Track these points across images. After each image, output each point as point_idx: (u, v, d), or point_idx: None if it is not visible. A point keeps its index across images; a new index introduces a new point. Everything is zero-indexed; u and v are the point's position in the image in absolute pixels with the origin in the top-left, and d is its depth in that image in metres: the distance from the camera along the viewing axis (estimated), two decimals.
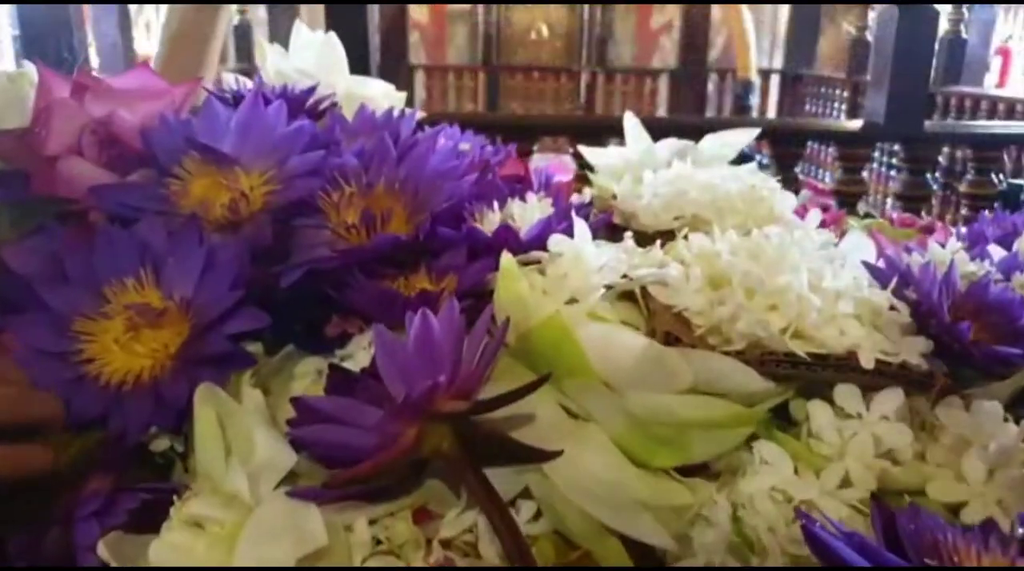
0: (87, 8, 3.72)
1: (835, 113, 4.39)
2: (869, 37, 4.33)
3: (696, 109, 5.17)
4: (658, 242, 0.33)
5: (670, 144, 0.53)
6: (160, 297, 0.29)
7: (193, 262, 0.29)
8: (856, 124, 1.45)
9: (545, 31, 5.69)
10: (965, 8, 3.46)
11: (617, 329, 0.27)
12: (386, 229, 0.32)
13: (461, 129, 0.64)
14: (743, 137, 0.55)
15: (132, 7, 3.71)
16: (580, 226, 0.30)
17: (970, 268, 0.36)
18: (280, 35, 4.96)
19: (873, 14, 4.62)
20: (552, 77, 5.35)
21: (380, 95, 0.54)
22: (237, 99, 0.42)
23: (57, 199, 0.32)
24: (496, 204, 0.35)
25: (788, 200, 0.40)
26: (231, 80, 0.47)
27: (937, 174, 2.56)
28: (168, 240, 0.30)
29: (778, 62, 5.25)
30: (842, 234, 0.66)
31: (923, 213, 1.53)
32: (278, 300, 0.31)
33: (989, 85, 5.47)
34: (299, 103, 0.43)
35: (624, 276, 0.31)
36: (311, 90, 0.42)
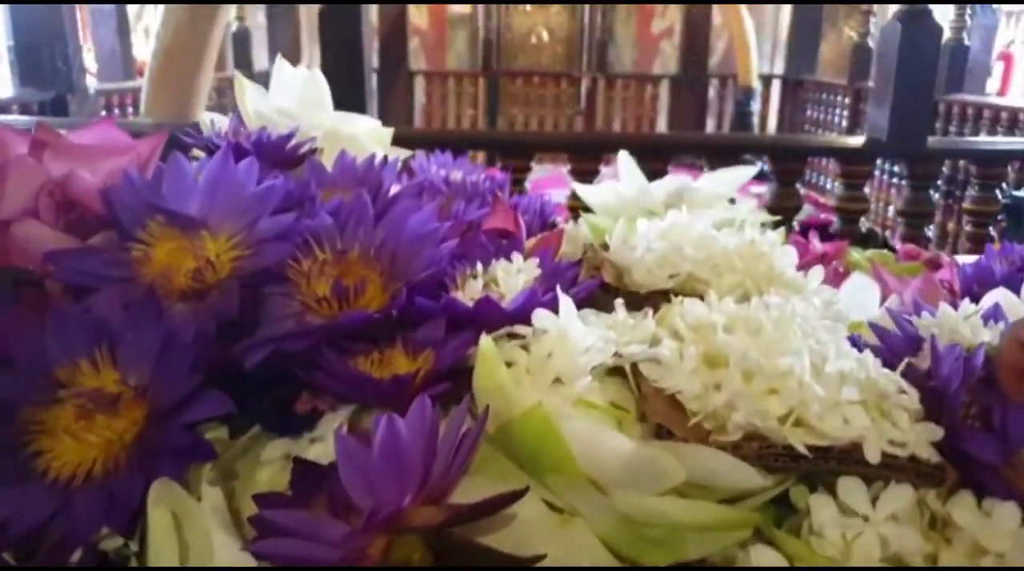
0: (86, 15, 3.73)
1: (837, 119, 4.37)
2: (871, 43, 4.31)
3: (697, 115, 5.15)
4: (650, 313, 0.31)
5: (666, 184, 0.51)
6: (116, 380, 0.27)
7: (151, 342, 0.27)
8: (858, 140, 1.43)
9: (546, 36, 5.68)
10: (967, 15, 3.44)
11: (604, 429, 0.25)
12: (359, 300, 0.30)
13: (456, 150, 0.62)
14: (742, 175, 0.53)
15: (131, 13, 3.69)
16: (566, 303, 0.28)
17: (984, 336, 0.34)
18: (279, 41, 4.94)
19: (875, 19, 4.61)
20: (552, 82, 5.34)
21: (365, 133, 0.52)
22: (211, 148, 0.40)
23: (11, 268, 0.30)
24: (480, 265, 0.33)
25: (788, 255, 0.38)
26: (207, 121, 0.45)
27: (939, 182, 2.54)
28: (125, 316, 0.28)
29: (779, 67, 5.23)
30: (845, 273, 0.64)
31: (925, 228, 1.51)
32: (244, 375, 0.29)
33: (991, 91, 5.45)
34: (277, 149, 0.41)
35: (615, 352, 0.29)
36: (289, 136, 0.41)
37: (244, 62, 4.25)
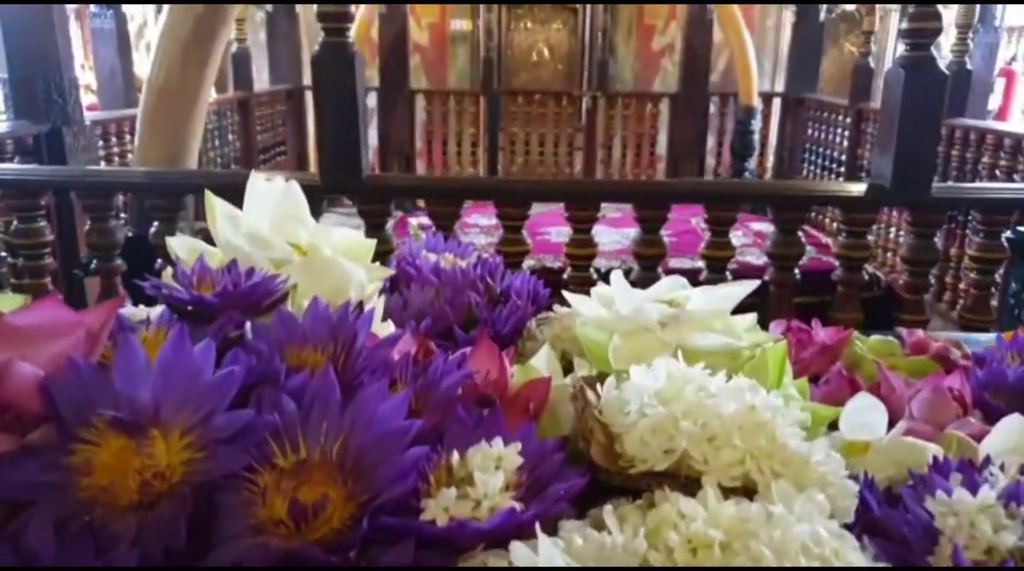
0: (87, 33, 3.69)
1: (838, 138, 4.35)
2: (872, 63, 4.31)
3: (697, 133, 5.13)
4: (642, 531, 0.28)
5: (660, 306, 0.49)
6: None
7: None
8: (860, 187, 1.40)
9: (547, 53, 5.68)
10: (970, 38, 3.44)
11: None
12: (319, 518, 0.27)
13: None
14: (738, 291, 0.51)
15: (132, 31, 3.68)
16: (545, 546, 0.25)
17: (1007, 536, 0.31)
18: (279, 61, 4.92)
19: (876, 38, 4.60)
20: (553, 100, 5.34)
21: (345, 249, 0.49)
22: (175, 304, 0.37)
23: None
24: (456, 454, 0.31)
25: (790, 424, 0.36)
26: (173, 247, 0.43)
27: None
28: (59, 550, 0.25)
29: (780, 85, 5.23)
30: (851, 378, 0.61)
31: (930, 274, 1.48)
32: None
33: (993, 107, 5.46)
34: (244, 298, 0.38)
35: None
36: (256, 285, 0.38)
37: (245, 83, 4.24)
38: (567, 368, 0.58)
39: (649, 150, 5.30)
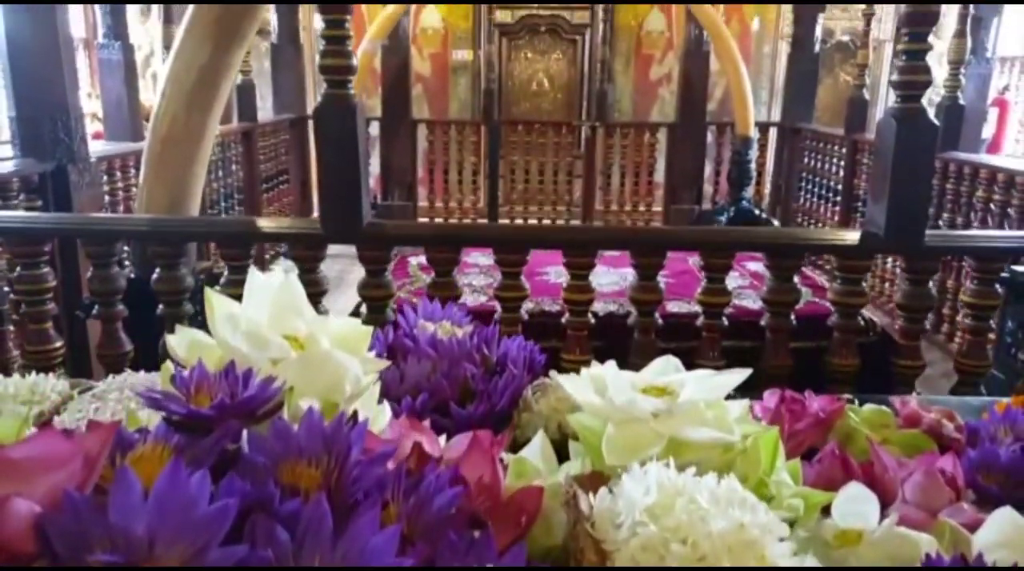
0: (94, 62, 3.73)
1: (834, 168, 4.39)
2: (867, 94, 4.37)
3: (695, 161, 5.18)
4: None
5: (653, 400, 0.49)
6: None
7: None
8: (855, 235, 1.42)
9: (546, 83, 5.78)
10: (962, 73, 3.50)
11: None
12: None
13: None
14: (731, 380, 0.51)
15: (138, 60, 3.73)
16: None
17: None
18: (283, 90, 4.95)
19: (870, 70, 4.68)
20: (553, 129, 5.40)
21: (341, 335, 0.50)
22: (173, 420, 0.38)
23: None
24: None
25: (778, 540, 0.36)
26: (169, 373, 0.44)
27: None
28: None
29: (776, 114, 5.30)
30: (842, 459, 0.61)
31: (925, 321, 1.49)
32: None
33: (986, 135, 5.54)
34: (241, 408, 0.39)
35: None
36: (252, 397, 0.39)
37: (249, 114, 4.29)
38: (562, 440, 0.59)
39: (647, 178, 5.35)
